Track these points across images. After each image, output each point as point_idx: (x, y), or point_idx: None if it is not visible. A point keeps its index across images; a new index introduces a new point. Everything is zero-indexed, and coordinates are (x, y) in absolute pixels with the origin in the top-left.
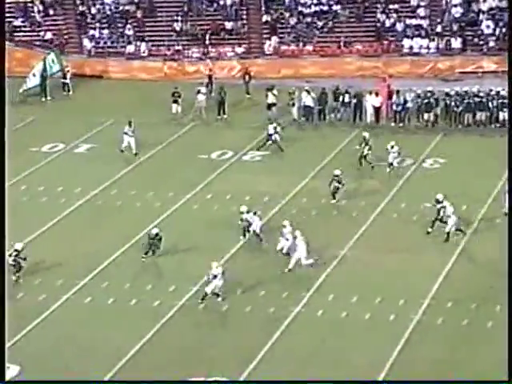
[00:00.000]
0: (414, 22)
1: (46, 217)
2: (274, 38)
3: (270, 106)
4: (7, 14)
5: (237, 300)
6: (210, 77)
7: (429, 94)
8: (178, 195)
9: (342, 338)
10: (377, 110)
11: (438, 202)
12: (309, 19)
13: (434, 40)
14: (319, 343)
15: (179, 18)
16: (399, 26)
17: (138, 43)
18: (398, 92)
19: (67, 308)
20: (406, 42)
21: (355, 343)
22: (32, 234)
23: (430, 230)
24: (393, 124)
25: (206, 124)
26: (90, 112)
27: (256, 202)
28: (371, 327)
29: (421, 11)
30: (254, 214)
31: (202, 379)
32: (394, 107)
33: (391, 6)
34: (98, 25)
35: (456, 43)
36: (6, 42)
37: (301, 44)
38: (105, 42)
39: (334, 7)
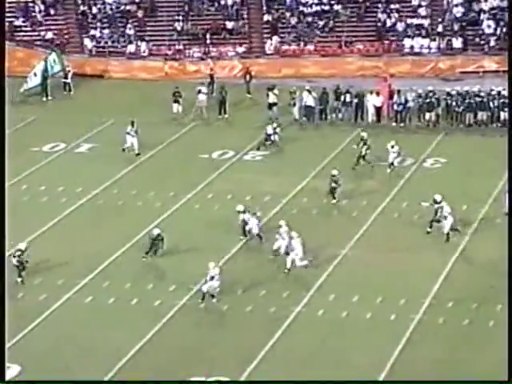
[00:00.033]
0: (415, 21)
1: (46, 216)
2: (275, 38)
3: (270, 106)
4: (8, 14)
5: (237, 300)
6: (211, 76)
7: (430, 94)
8: (179, 195)
9: (343, 337)
10: (378, 109)
11: (436, 202)
12: (310, 19)
13: (435, 40)
14: (320, 343)
15: (180, 18)
16: (400, 26)
17: (139, 43)
18: (399, 92)
19: (68, 308)
20: (407, 42)
21: (356, 343)
22: (33, 234)
23: (429, 229)
24: (394, 124)
25: (207, 124)
26: (91, 112)
27: (257, 202)
28: (372, 327)
29: (422, 11)
30: (254, 214)
31: (202, 379)
32: (395, 107)
33: (392, 6)
34: (98, 24)
35: (457, 43)
36: (7, 42)
37: (302, 44)
38: (106, 42)
39: (335, 7)
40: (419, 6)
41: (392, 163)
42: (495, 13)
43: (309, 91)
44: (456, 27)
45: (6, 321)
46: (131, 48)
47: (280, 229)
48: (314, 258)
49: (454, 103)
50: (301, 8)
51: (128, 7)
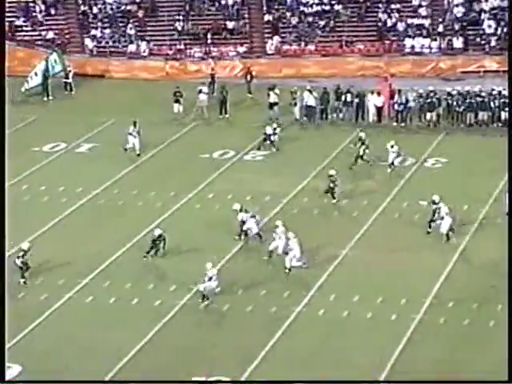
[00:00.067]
0: (415, 21)
1: (47, 216)
2: (276, 38)
3: (271, 106)
4: (9, 14)
5: (238, 300)
6: (212, 76)
7: (431, 94)
8: (180, 195)
9: (344, 337)
10: (379, 109)
11: (434, 203)
12: (310, 19)
13: (435, 39)
14: (320, 343)
15: (181, 18)
16: (401, 26)
17: (140, 43)
18: (399, 91)
19: (68, 308)
20: (408, 42)
21: (357, 343)
22: (33, 234)
23: (429, 230)
24: (394, 124)
25: (208, 123)
26: (92, 111)
27: (257, 202)
28: (373, 327)
29: (422, 11)
30: (253, 217)
31: (203, 379)
32: (396, 107)
33: (393, 6)
34: (99, 24)
35: (458, 43)
36: (8, 42)
37: (302, 43)
38: (106, 42)
39: (336, 7)
40: (420, 5)
41: (392, 163)
42: (496, 13)
43: (310, 91)
44: (457, 27)
45: (7, 321)
46: (132, 48)
47: (277, 229)
48: (314, 258)
49: (454, 103)
50: (301, 8)
51: (129, 7)
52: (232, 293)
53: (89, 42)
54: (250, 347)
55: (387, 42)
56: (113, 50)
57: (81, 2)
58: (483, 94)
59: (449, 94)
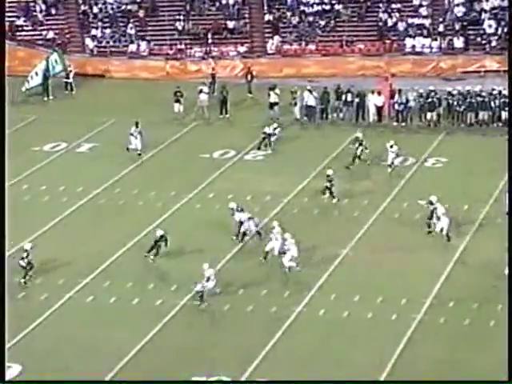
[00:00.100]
0: (416, 21)
1: (47, 216)
2: (276, 38)
3: (272, 106)
4: (9, 14)
5: (238, 300)
6: (213, 76)
7: (431, 94)
8: (180, 194)
9: (344, 337)
10: (379, 109)
11: (431, 203)
12: (311, 18)
13: (436, 39)
14: (321, 343)
15: (181, 17)
16: (401, 26)
17: (140, 42)
18: (400, 91)
19: (69, 307)
20: (408, 42)
21: (357, 343)
22: (34, 234)
23: (429, 229)
24: (395, 123)
25: (208, 123)
26: (92, 111)
27: (258, 202)
28: (373, 327)
29: (423, 10)
30: (250, 219)
31: (203, 379)
32: (396, 106)
33: (393, 6)
34: (100, 24)
35: (458, 42)
36: (8, 41)
37: (303, 43)
38: (107, 42)
39: (336, 6)
40: (420, 5)
41: (392, 163)
42: (496, 12)
43: (310, 91)
44: (457, 27)
45: (8, 320)
46: (132, 48)
47: (273, 230)
48: (314, 257)
49: (455, 103)
50: (302, 8)
51: (129, 7)
52: (232, 293)
53: (89, 42)
54: (250, 347)
55: (388, 41)
56: (113, 49)
57: (81, 1)
58: (484, 93)
59: (449, 93)
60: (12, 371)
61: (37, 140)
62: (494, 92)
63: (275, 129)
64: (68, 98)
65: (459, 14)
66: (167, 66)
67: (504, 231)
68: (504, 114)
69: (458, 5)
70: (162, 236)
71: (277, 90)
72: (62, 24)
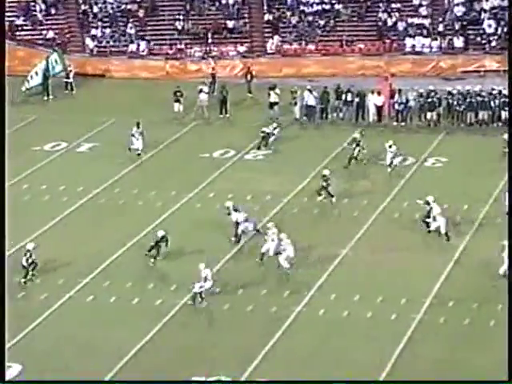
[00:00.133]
0: (415, 20)
1: (48, 216)
2: (276, 37)
3: (272, 105)
4: (9, 13)
5: (238, 299)
6: (213, 76)
7: (431, 94)
8: (181, 194)
9: (344, 337)
10: (379, 109)
11: (427, 203)
12: (311, 18)
13: (436, 39)
14: (320, 343)
15: (181, 17)
16: (401, 25)
17: (140, 42)
18: (400, 91)
19: (69, 307)
20: (408, 41)
21: (357, 342)
22: (34, 233)
23: (428, 228)
24: (395, 123)
25: (208, 123)
26: (92, 111)
27: (258, 201)
28: (373, 326)
29: (423, 10)
30: (246, 221)
31: (203, 379)
32: (396, 106)
33: (393, 5)
34: (99, 24)
35: (458, 42)
36: (8, 41)
37: (303, 43)
38: (107, 41)
39: (336, 6)
40: (420, 5)
41: (391, 163)
42: (496, 12)
43: (310, 90)
44: (457, 26)
45: (8, 320)
46: (132, 47)
47: (268, 231)
48: (314, 257)
49: (455, 102)
50: (302, 7)
51: (129, 6)
52: (232, 292)
53: (89, 42)
54: (250, 347)
55: (387, 41)
56: (113, 49)
57: (81, 1)
58: (483, 93)
59: (449, 93)
60: (12, 371)
61: (37, 140)
62: (494, 92)
63: (275, 128)
64: (68, 98)
65: (459, 14)
66: (167, 66)
67: (504, 231)
68: (504, 114)
69: (457, 4)
70: (163, 237)
71: (277, 90)
72: (61, 24)
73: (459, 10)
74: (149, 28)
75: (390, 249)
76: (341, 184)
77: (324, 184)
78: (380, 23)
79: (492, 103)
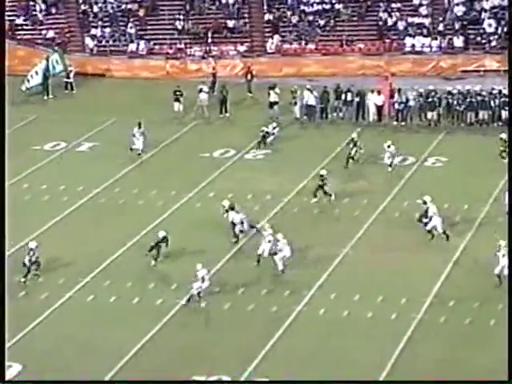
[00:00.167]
0: (416, 20)
1: (48, 215)
2: (276, 37)
3: (272, 105)
4: (9, 13)
5: (239, 299)
6: (214, 75)
7: (431, 93)
8: (181, 193)
9: (344, 337)
10: (379, 108)
11: (424, 203)
12: (311, 18)
13: (436, 38)
14: (321, 342)
15: (181, 17)
16: (401, 25)
17: (141, 41)
18: (399, 91)
19: (69, 307)
20: (408, 41)
21: (357, 342)
22: (34, 233)
23: (425, 227)
24: (395, 123)
25: (208, 123)
26: (92, 110)
27: (258, 201)
28: (373, 326)
29: (423, 10)
30: (241, 224)
31: (203, 378)
32: (396, 106)
33: (393, 5)
34: (100, 23)
35: (458, 42)
36: (8, 41)
37: (303, 42)
38: (107, 41)
39: (336, 6)
40: (420, 4)
41: (392, 162)
42: (496, 12)
43: (310, 90)
44: (457, 26)
45: (8, 320)
46: (132, 47)
47: (264, 232)
48: (315, 257)
49: (455, 102)
50: (302, 7)
51: (129, 6)
52: (232, 292)
53: (89, 41)
54: (250, 346)
55: (388, 40)
56: (113, 49)
57: (81, 0)
58: (483, 93)
59: (449, 93)
60: (12, 370)
61: (37, 139)
62: (494, 91)
63: (274, 128)
64: (68, 98)
65: (459, 14)
66: (167, 66)
67: (504, 231)
68: (504, 114)
69: (457, 4)
70: (164, 237)
71: (277, 90)
72: (62, 23)
73: (459, 10)
74: (149, 27)
75: (391, 248)
76: (341, 184)
77: (320, 183)
78: (380, 23)
79: (492, 103)
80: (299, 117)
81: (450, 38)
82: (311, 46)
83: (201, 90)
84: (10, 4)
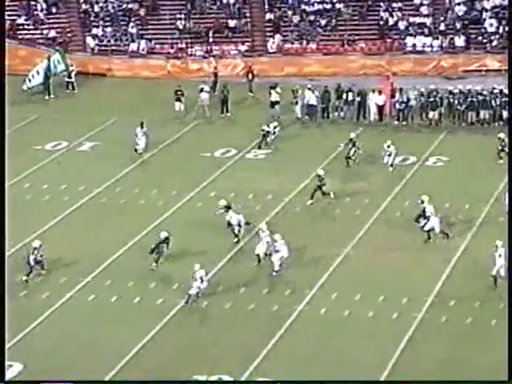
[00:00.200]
0: (417, 20)
1: (49, 215)
2: (278, 36)
3: (273, 104)
4: (10, 12)
5: (240, 298)
6: (215, 75)
7: (433, 93)
8: (182, 193)
9: (345, 336)
10: (380, 108)
11: (422, 202)
12: (312, 17)
13: (437, 38)
14: (322, 342)
15: (182, 16)
16: (402, 24)
17: (142, 41)
18: (401, 90)
19: (70, 306)
20: (410, 40)
21: (358, 342)
22: (35, 233)
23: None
24: (396, 122)
25: (209, 122)
26: (94, 110)
27: (259, 200)
28: (374, 326)
29: (424, 9)
30: (239, 226)
31: (204, 378)
32: (397, 105)
33: (394, 4)
34: (101, 23)
35: (459, 41)
36: (9, 40)
37: (304, 42)
38: (108, 40)
39: (337, 5)
40: (421, 4)
41: (392, 162)
42: (497, 11)
43: (311, 90)
44: (458, 26)
45: (9, 319)
46: (133, 46)
47: (261, 232)
48: (316, 256)
49: (456, 102)
50: (303, 6)
51: (130, 5)
52: (233, 291)
53: (90, 41)
54: (251, 346)
55: (389, 40)
56: (114, 48)
57: (82, 0)
58: (485, 92)
59: (450, 92)
60: (13, 370)
61: (38, 139)
62: (495, 91)
63: (275, 127)
64: (69, 97)
65: (460, 13)
66: (168, 65)
67: (505, 230)
68: (505, 113)
69: (459, 4)
70: (166, 238)
71: (278, 89)
72: (63, 23)
73: (460, 9)
74: (150, 27)
75: (392, 248)
76: (342, 183)
77: (318, 184)
78: (381, 22)
79: (493, 102)
80: (300, 116)
81: (451, 38)
82: (312, 45)
83: (202, 90)
84: (12, 4)
